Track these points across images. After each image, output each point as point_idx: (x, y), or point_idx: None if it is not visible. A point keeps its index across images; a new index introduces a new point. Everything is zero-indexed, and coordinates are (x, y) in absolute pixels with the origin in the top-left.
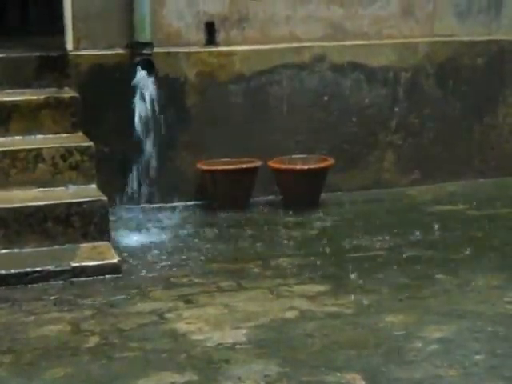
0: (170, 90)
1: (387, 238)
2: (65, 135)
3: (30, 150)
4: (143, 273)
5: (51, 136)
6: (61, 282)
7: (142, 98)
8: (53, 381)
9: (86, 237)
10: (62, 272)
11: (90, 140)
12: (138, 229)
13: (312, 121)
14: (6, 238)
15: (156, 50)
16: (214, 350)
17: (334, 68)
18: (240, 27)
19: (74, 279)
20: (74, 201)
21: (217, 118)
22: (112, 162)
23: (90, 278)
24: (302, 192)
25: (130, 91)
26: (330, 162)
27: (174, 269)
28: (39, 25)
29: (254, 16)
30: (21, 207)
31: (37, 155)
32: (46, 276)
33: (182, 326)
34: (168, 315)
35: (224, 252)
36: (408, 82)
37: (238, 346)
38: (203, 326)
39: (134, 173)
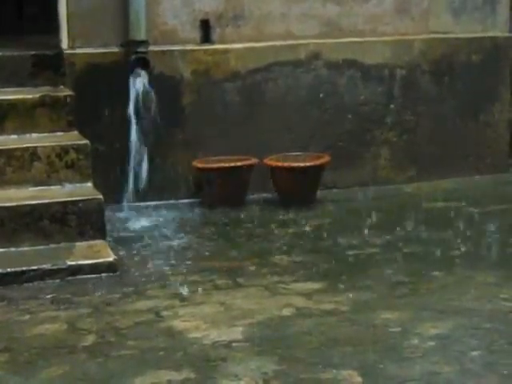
0: (166, 88)
1: (383, 234)
2: (60, 134)
3: (25, 149)
4: (139, 271)
5: (47, 134)
6: (57, 280)
7: (138, 96)
8: (49, 379)
9: (82, 235)
10: (59, 270)
11: (86, 138)
12: (134, 227)
13: (308, 118)
14: (2, 237)
15: (151, 48)
16: (210, 347)
17: (330, 65)
18: (235, 25)
19: (71, 278)
20: (70, 199)
21: (212, 115)
22: (108, 161)
23: (87, 277)
24: (298, 189)
25: (126, 89)
26: (326, 159)
27: (171, 266)
28: (34, 23)
29: (249, 13)
30: (17, 206)
31: (32, 154)
32: (42, 274)
33: (178, 324)
34: (164, 313)
35: (220, 250)
36: (403, 79)
37: (234, 344)
38: (200, 324)
39: (130, 171)
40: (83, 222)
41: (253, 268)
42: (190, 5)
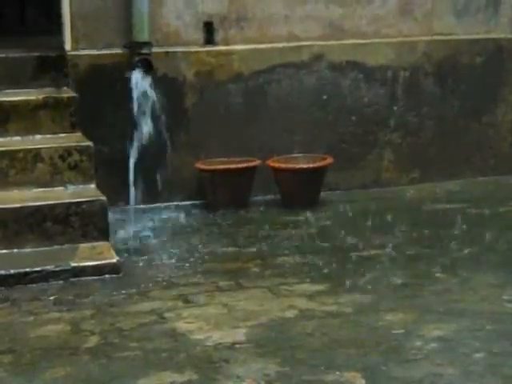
0: (169, 89)
1: (386, 236)
2: (63, 135)
3: (28, 150)
4: (142, 272)
5: (50, 136)
6: (60, 281)
7: (141, 97)
8: (53, 381)
9: (86, 237)
10: (62, 272)
11: (89, 140)
12: (137, 228)
13: (311, 120)
14: (5, 239)
15: (154, 49)
16: (213, 349)
17: (333, 67)
18: (239, 26)
19: (74, 279)
20: (73, 201)
21: (215, 117)
22: (111, 162)
23: (90, 278)
24: (301, 191)
25: (129, 91)
26: (329, 160)
27: (174, 268)
28: (37, 25)
29: (252, 15)
30: (20, 207)
31: (36, 155)
32: (45, 276)
33: (181, 326)
34: (167, 315)
35: (223, 251)
36: (407, 81)
37: (237, 346)
38: (203, 326)
39: (133, 172)
40: (86, 223)
41: (256, 269)
42: (193, 6)
